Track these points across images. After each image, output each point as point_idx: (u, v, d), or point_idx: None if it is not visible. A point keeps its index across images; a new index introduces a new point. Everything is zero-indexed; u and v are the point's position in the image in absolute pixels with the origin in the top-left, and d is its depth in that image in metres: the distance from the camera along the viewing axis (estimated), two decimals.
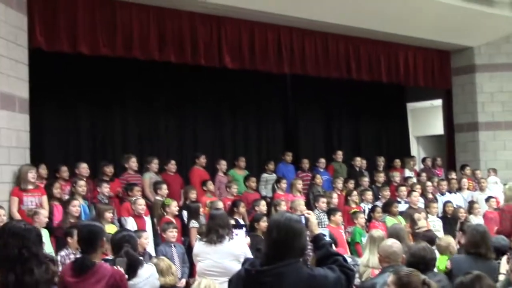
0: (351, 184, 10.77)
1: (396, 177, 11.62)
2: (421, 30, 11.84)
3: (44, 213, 7.13)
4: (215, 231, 5.42)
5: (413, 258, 4.51)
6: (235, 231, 5.82)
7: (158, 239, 7.96)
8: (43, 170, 8.47)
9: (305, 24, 10.84)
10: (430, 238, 6.50)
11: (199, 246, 5.54)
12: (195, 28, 9.77)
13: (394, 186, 11.04)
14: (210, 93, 11.84)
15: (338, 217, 8.68)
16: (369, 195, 10.18)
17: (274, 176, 10.80)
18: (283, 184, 10.06)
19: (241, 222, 8.36)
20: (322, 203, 9.25)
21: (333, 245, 3.75)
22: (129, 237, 4.86)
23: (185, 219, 8.36)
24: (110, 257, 4.31)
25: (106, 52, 9.03)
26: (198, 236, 6.83)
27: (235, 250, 5.44)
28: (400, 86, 13.79)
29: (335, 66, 11.44)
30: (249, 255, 5.53)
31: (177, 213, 8.22)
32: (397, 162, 12.68)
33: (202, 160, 10.19)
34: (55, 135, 10.04)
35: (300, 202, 8.90)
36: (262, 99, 12.58)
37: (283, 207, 8.56)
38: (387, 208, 9.27)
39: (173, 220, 7.81)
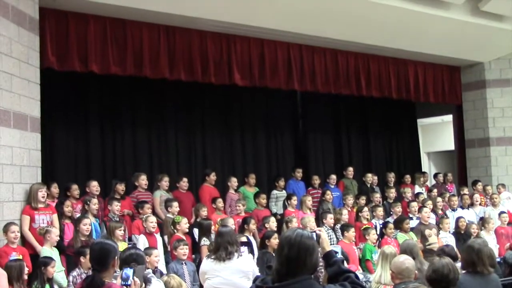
0: (362, 200, 10.76)
1: (408, 193, 11.58)
2: (431, 46, 11.84)
3: (55, 232, 7.17)
4: (224, 248, 5.43)
5: (435, 274, 4.28)
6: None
7: (169, 256, 7.97)
8: (55, 188, 8.52)
9: (315, 41, 10.88)
10: (453, 254, 6.36)
11: (207, 264, 5.52)
12: (205, 46, 9.81)
13: (405, 202, 11.02)
14: (220, 110, 11.89)
15: (352, 233, 8.69)
16: (380, 211, 10.17)
17: (284, 193, 10.78)
18: (294, 201, 10.04)
19: (252, 239, 8.36)
20: (330, 219, 9.26)
21: (345, 262, 3.73)
22: (137, 255, 4.83)
23: (196, 236, 8.36)
24: (117, 272, 4.28)
25: (117, 71, 9.09)
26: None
27: (245, 267, 5.44)
28: (411, 102, 13.76)
29: (345, 83, 11.44)
30: (257, 272, 5.53)
31: (187, 230, 8.22)
32: (408, 178, 12.65)
33: (212, 177, 10.20)
34: (66, 153, 10.10)
35: (310, 219, 8.90)
36: (272, 116, 12.61)
37: (295, 223, 8.55)
38: (399, 225, 9.25)
39: (184, 238, 7.82)
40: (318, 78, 11.07)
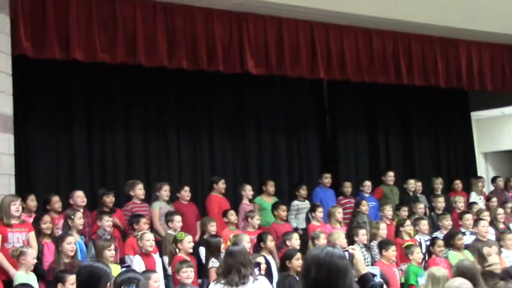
0: (403, 212, 10.69)
1: (460, 202, 11.52)
2: (488, 22, 11.72)
3: (32, 253, 7.11)
4: (236, 271, 5.39)
5: None
6: None
7: (170, 281, 7.93)
8: (32, 201, 8.52)
9: (344, 19, 10.82)
10: None
11: None
12: (212, 27, 9.79)
13: (456, 213, 10.94)
14: (230, 105, 11.89)
15: (392, 251, 8.60)
16: (425, 224, 10.11)
17: (307, 203, 10.75)
18: (319, 213, 10.00)
19: (270, 259, 8.30)
20: (362, 235, 9.19)
21: (384, 287, 3.68)
22: (136, 280, 4.78)
23: (203, 257, 8.31)
24: None
25: (105, 59, 9.09)
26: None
27: None
28: (463, 91, 13.65)
29: (381, 69, 11.37)
30: None
31: (191, 250, 8.17)
32: (460, 184, 12.59)
33: (221, 185, 10.18)
34: (45, 158, 10.12)
35: (340, 234, 8.84)
36: (293, 111, 12.57)
37: (323, 240, 8.48)
38: (450, 241, 9.19)
39: (188, 258, 7.77)
40: (348, 64, 11.02)
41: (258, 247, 8.60)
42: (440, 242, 9.10)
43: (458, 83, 12.26)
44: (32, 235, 7.64)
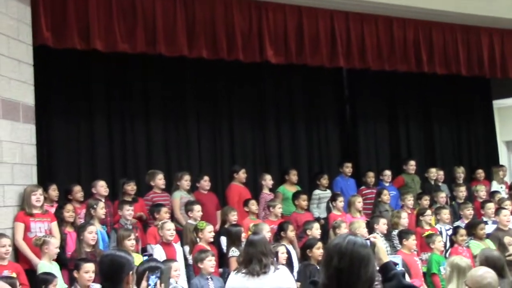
0: (425, 201, 10.65)
1: (481, 191, 11.44)
2: (510, 9, 11.58)
3: (54, 242, 7.18)
4: (257, 260, 5.39)
5: None
6: None
7: (191, 270, 7.96)
8: (53, 191, 8.57)
9: (364, 7, 10.77)
10: None
11: (237, 279, 5.47)
12: (231, 16, 9.79)
13: (478, 202, 10.89)
14: (250, 94, 11.86)
15: (412, 241, 8.60)
16: (446, 214, 10.09)
17: (328, 192, 10.74)
18: (340, 203, 9.99)
19: (290, 249, 8.31)
20: (383, 224, 9.16)
21: (406, 276, 3.67)
22: (159, 268, 4.80)
23: (223, 246, 8.34)
24: None
25: (125, 49, 9.13)
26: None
27: (284, 282, 5.40)
28: (485, 79, 13.50)
29: (402, 58, 11.29)
30: None
31: (212, 240, 8.21)
32: (482, 173, 12.51)
33: (242, 174, 10.20)
34: (66, 148, 10.16)
35: (361, 224, 8.86)
36: (313, 100, 12.52)
37: (344, 229, 8.49)
38: (472, 230, 9.16)
39: (209, 248, 7.81)
40: (369, 53, 10.96)
41: (278, 236, 8.61)
42: (463, 231, 9.06)
43: (480, 71, 12.15)
44: (54, 225, 7.71)
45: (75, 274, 6.56)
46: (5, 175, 7.40)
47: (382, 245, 3.49)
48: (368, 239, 3.50)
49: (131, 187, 9.10)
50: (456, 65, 11.78)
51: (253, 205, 9.47)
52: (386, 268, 3.37)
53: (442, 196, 11.00)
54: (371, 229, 9.07)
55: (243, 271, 5.44)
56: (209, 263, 7.19)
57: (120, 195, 9.16)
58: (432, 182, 11.88)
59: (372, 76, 12.27)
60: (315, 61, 10.58)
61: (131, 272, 4.01)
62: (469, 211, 10.20)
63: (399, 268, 3.66)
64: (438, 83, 12.95)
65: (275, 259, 5.71)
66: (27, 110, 7.92)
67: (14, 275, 6.55)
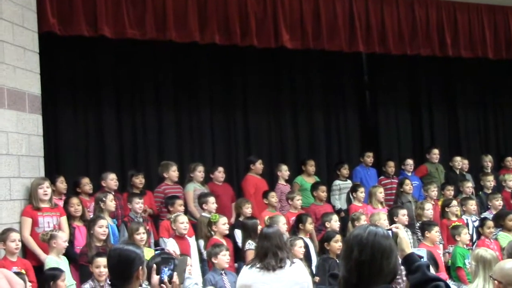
0: (448, 191, 10.58)
1: (510, 180, 11.36)
2: None
3: (62, 236, 7.22)
4: (273, 254, 5.38)
5: None
6: None
7: (205, 265, 7.98)
8: (61, 183, 8.58)
9: None
10: None
11: (251, 274, 5.45)
12: (245, 0, 9.73)
13: (507, 192, 10.88)
14: (265, 82, 11.82)
15: (435, 233, 8.55)
16: (472, 204, 10.05)
17: (349, 183, 10.72)
18: (360, 193, 9.97)
19: (308, 242, 8.29)
20: (403, 216, 9.13)
21: (430, 268, 3.63)
22: (172, 260, 4.78)
23: (239, 239, 8.34)
24: (145, 285, 4.23)
25: (135, 35, 9.15)
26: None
27: (300, 277, 5.41)
28: None
29: (424, 41, 11.23)
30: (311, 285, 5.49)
31: (227, 232, 8.20)
32: (511, 161, 12.39)
33: (259, 165, 10.19)
34: (74, 139, 10.20)
35: (382, 216, 8.82)
36: (331, 86, 12.48)
37: (364, 222, 8.44)
38: (500, 221, 9.14)
39: (223, 241, 7.80)
40: (389, 37, 10.90)
41: (296, 229, 8.59)
42: (490, 223, 9.04)
43: (508, 54, 12.04)
44: (64, 219, 7.74)
45: (90, 268, 6.59)
46: (11, 167, 7.43)
47: (404, 236, 3.45)
48: (390, 229, 3.46)
49: (139, 180, 9.12)
50: (482, 48, 11.68)
51: (272, 198, 9.46)
52: (410, 260, 3.34)
53: (469, 186, 10.93)
54: (391, 221, 9.02)
55: (258, 265, 5.42)
56: (223, 258, 7.18)
57: (128, 187, 9.16)
58: (457, 172, 11.79)
59: (393, 61, 12.20)
60: (333, 46, 10.53)
61: (141, 267, 3.99)
62: (498, 202, 10.17)
63: (424, 260, 3.60)
64: (463, 67, 12.86)
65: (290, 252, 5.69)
66: (34, 99, 7.94)
67: (23, 271, 6.57)
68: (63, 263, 7.07)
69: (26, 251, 7.43)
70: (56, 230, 7.32)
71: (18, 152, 7.57)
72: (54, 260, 7.03)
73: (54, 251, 7.10)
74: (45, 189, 7.62)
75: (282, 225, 7.99)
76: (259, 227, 8.08)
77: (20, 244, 7.02)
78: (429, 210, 9.56)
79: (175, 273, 3.96)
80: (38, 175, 7.88)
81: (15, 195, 7.50)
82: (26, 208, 7.55)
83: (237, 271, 7.79)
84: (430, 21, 11.23)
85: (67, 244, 7.28)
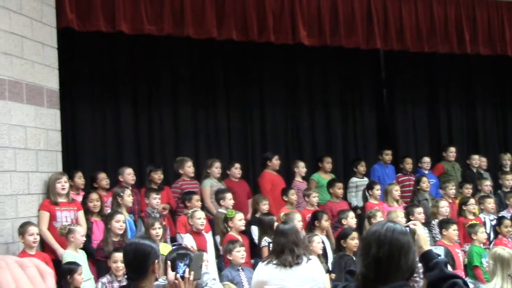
0: (467, 190, 10.56)
1: None
2: None
3: (80, 231, 7.26)
4: (289, 251, 5.39)
5: None
6: None
7: (221, 261, 7.99)
8: (79, 178, 8.64)
9: None
10: None
11: (268, 271, 5.47)
12: None
13: None
14: (282, 78, 11.83)
15: (453, 231, 8.51)
16: (490, 203, 9.99)
17: (366, 180, 10.71)
18: (376, 191, 9.95)
19: (324, 239, 8.30)
20: (419, 214, 9.10)
21: (448, 265, 3.63)
22: (188, 255, 4.80)
23: (255, 236, 8.36)
24: (162, 280, 4.26)
25: (152, 31, 9.16)
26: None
27: (316, 274, 5.43)
28: None
29: (442, 38, 11.16)
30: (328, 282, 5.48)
31: (243, 228, 8.22)
32: None
33: (275, 162, 10.20)
34: (91, 135, 10.28)
35: (398, 213, 8.80)
36: (348, 83, 12.48)
37: (380, 219, 8.42)
38: None
39: (239, 238, 7.82)
40: (407, 33, 10.85)
41: (312, 226, 8.60)
42: (508, 222, 9.01)
43: None
44: (81, 214, 7.79)
45: (109, 263, 6.64)
46: (29, 161, 7.49)
47: (422, 233, 3.44)
48: (408, 226, 3.46)
49: (158, 176, 9.14)
50: (501, 45, 11.59)
51: (292, 195, 9.47)
52: (427, 257, 3.32)
53: (487, 184, 10.90)
54: (408, 219, 9.01)
55: (274, 261, 5.44)
56: (238, 254, 7.17)
57: (146, 183, 9.20)
58: (475, 170, 11.75)
59: (411, 58, 12.15)
60: (351, 42, 10.50)
61: (156, 260, 4.02)
62: None
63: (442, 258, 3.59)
64: (482, 65, 12.80)
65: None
66: (52, 94, 7.99)
67: None
68: (81, 257, 7.12)
69: (44, 245, 7.49)
70: (74, 225, 7.37)
71: (36, 146, 7.62)
72: (72, 254, 7.07)
73: (72, 245, 7.15)
74: (63, 184, 7.68)
75: (298, 222, 7.98)
76: (276, 224, 8.12)
77: (38, 238, 7.07)
78: (443, 208, 9.53)
79: (187, 269, 3.98)
80: (56, 169, 7.94)
81: (33, 189, 7.56)
82: (44, 202, 7.61)
83: (254, 267, 7.82)
84: (448, 17, 11.17)
85: (85, 239, 7.33)
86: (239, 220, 8.14)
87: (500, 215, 9.74)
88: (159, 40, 9.86)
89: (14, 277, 1.21)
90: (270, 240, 7.77)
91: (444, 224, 8.73)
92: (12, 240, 7.09)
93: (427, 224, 9.25)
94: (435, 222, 9.30)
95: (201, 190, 9.40)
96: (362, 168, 10.92)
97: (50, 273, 1.27)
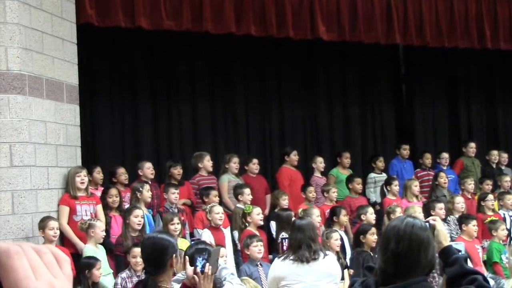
0: (486, 186, 10.52)
1: None
2: None
3: (100, 226, 7.29)
4: (306, 246, 5.38)
5: None
6: None
7: (239, 256, 8.00)
8: (98, 173, 8.68)
9: None
10: None
11: (284, 266, 5.46)
12: None
13: None
14: (301, 73, 11.82)
15: (472, 226, 8.46)
16: (510, 199, 9.96)
17: (384, 176, 10.69)
18: (395, 187, 9.92)
19: (343, 235, 8.29)
20: (440, 209, 9.06)
21: (468, 261, 3.62)
22: (206, 250, 4.81)
23: (273, 231, 8.36)
24: (181, 274, 4.27)
25: (171, 26, 9.18)
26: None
27: (333, 269, 5.43)
28: None
29: (462, 33, 11.11)
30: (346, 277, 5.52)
31: (261, 223, 8.22)
32: None
33: (294, 157, 10.19)
34: (110, 130, 10.33)
35: (417, 209, 8.75)
36: (367, 79, 12.44)
37: (399, 215, 8.39)
38: None
39: (257, 233, 7.83)
40: (427, 29, 10.81)
41: (330, 221, 8.59)
42: None
43: None
44: (99, 208, 7.82)
45: (128, 258, 6.68)
46: (49, 156, 7.53)
47: (442, 228, 3.42)
48: (428, 221, 3.45)
49: (177, 171, 9.14)
50: None
51: (310, 193, 9.45)
52: (447, 253, 3.29)
53: (507, 180, 10.83)
54: (427, 214, 8.97)
55: (291, 257, 5.42)
56: (255, 248, 7.17)
57: (166, 178, 9.22)
58: (494, 165, 11.69)
59: (431, 53, 12.10)
60: (370, 38, 10.48)
61: (174, 255, 4.03)
62: None
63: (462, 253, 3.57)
64: (503, 60, 12.71)
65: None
66: (71, 90, 8.03)
67: None
68: (100, 252, 7.15)
69: (63, 239, 7.53)
70: (94, 219, 7.39)
71: (55, 141, 7.66)
72: (92, 249, 7.10)
73: (92, 240, 7.17)
74: (82, 178, 7.71)
75: (316, 217, 7.97)
76: (293, 219, 8.12)
77: (58, 232, 7.11)
78: (459, 204, 9.49)
79: (207, 264, 3.99)
80: (75, 164, 7.97)
81: (53, 184, 7.60)
82: (64, 197, 7.65)
83: (272, 262, 7.82)
84: (469, 12, 11.10)
85: (104, 234, 7.36)
86: (257, 215, 8.15)
87: None
88: (177, 35, 9.87)
89: (30, 263, 1.23)
90: (285, 236, 7.80)
91: (464, 219, 8.70)
92: (32, 234, 7.13)
93: (443, 220, 9.21)
94: (450, 218, 9.26)
95: (219, 185, 9.40)
96: (380, 163, 10.89)
97: (66, 260, 1.29)
